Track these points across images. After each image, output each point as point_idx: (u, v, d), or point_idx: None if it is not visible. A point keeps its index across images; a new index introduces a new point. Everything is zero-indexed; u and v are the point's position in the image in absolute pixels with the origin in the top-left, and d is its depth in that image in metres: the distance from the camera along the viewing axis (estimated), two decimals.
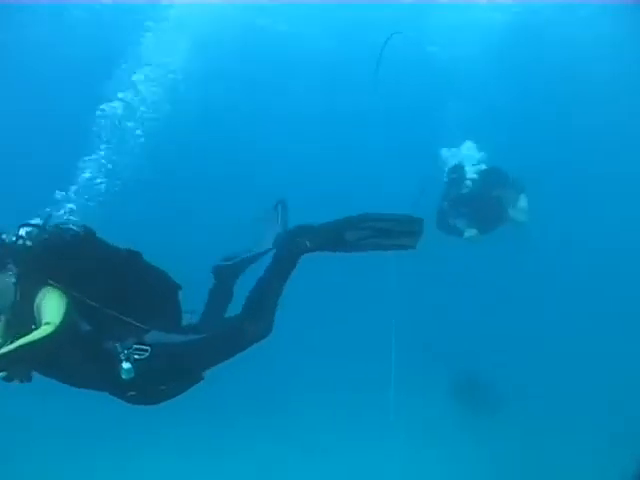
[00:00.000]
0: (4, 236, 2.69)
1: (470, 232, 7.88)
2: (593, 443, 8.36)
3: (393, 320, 7.33)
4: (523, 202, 8.29)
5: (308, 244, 2.98)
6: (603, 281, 12.15)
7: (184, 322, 2.95)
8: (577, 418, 9.13)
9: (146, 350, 2.54)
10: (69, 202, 4.17)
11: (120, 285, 2.65)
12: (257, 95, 12.62)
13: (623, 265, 12.14)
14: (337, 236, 2.99)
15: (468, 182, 7.78)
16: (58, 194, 4.33)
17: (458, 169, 7.89)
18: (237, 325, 2.78)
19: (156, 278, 2.81)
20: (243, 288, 3.15)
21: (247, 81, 12.54)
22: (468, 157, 8.12)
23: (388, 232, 2.95)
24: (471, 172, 7.87)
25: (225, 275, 3.13)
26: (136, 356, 2.52)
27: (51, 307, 2.47)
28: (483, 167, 8.02)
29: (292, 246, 2.98)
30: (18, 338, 2.35)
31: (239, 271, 3.27)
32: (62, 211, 3.75)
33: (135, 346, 2.55)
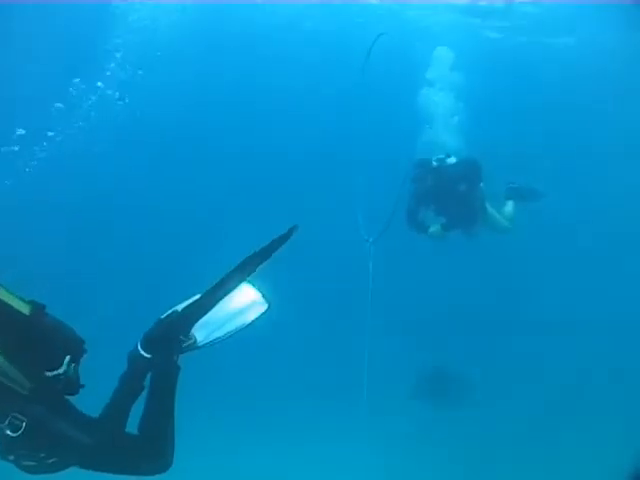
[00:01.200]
0: None
1: (433, 228, 7.43)
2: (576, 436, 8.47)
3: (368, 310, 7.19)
4: (509, 208, 8.12)
5: (183, 337, 2.47)
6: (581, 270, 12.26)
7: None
8: (558, 410, 9.31)
9: (22, 421, 2.19)
10: None
11: (7, 343, 2.24)
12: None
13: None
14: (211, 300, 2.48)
15: (431, 176, 7.29)
16: None
17: (423, 163, 7.45)
18: (128, 458, 2.33)
19: (57, 341, 2.34)
20: None
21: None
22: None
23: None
24: (435, 165, 7.41)
25: (140, 363, 2.47)
26: (8, 431, 2.19)
27: None
28: (452, 160, 7.53)
29: (166, 354, 2.45)
30: None
31: None
32: None
33: (13, 414, 2.19)
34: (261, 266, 2.42)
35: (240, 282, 2.45)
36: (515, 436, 8.67)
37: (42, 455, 2.23)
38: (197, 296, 2.47)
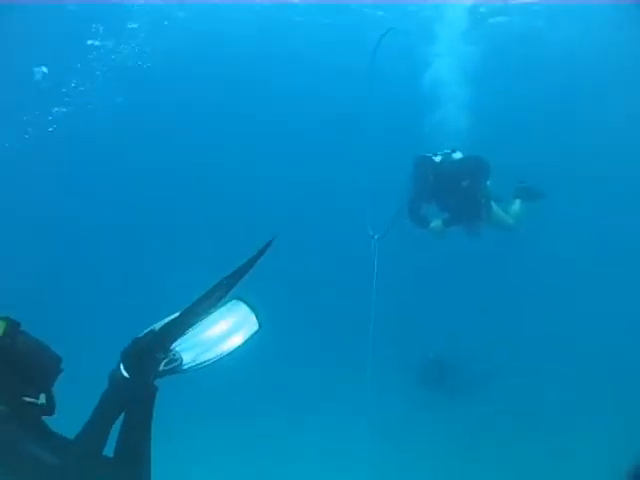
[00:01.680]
0: None
1: (434, 223, 7.38)
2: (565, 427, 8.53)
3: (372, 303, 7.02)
4: (516, 207, 8.11)
5: (162, 355, 2.31)
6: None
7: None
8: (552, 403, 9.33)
9: None
10: None
11: None
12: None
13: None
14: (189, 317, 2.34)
15: (433, 171, 7.20)
16: None
17: (424, 161, 7.32)
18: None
19: (29, 360, 2.20)
20: None
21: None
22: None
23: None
24: (439, 160, 7.32)
25: (121, 383, 2.31)
26: None
27: None
28: (458, 155, 7.43)
29: (143, 374, 2.30)
30: None
31: None
32: None
33: None
34: (241, 280, 2.33)
35: (221, 299, 2.35)
36: (512, 432, 8.68)
37: (12, 478, 2.11)
38: (177, 314, 2.35)
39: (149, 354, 2.30)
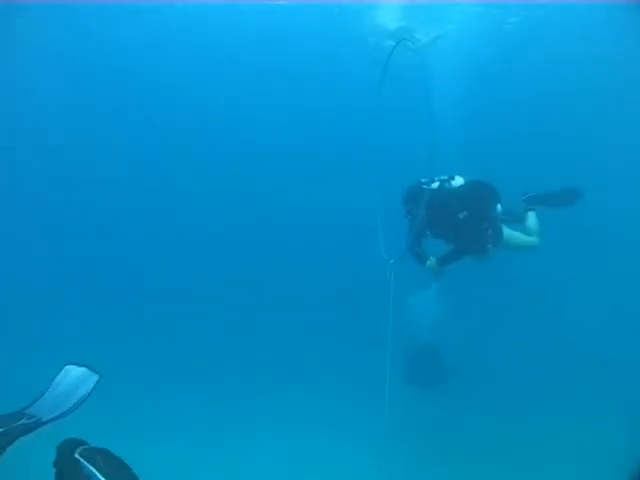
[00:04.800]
0: None
1: (429, 262, 6.87)
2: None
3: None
4: (531, 221, 7.49)
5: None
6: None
7: None
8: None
9: None
10: None
11: None
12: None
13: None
14: None
15: (428, 203, 6.56)
16: None
17: (415, 194, 6.74)
18: None
19: None
20: None
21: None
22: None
23: None
24: (433, 187, 6.76)
25: None
26: None
27: None
28: (459, 181, 6.84)
29: None
30: None
31: None
32: None
33: None
34: None
35: None
36: (513, 434, 8.75)
37: None
38: None
39: None
